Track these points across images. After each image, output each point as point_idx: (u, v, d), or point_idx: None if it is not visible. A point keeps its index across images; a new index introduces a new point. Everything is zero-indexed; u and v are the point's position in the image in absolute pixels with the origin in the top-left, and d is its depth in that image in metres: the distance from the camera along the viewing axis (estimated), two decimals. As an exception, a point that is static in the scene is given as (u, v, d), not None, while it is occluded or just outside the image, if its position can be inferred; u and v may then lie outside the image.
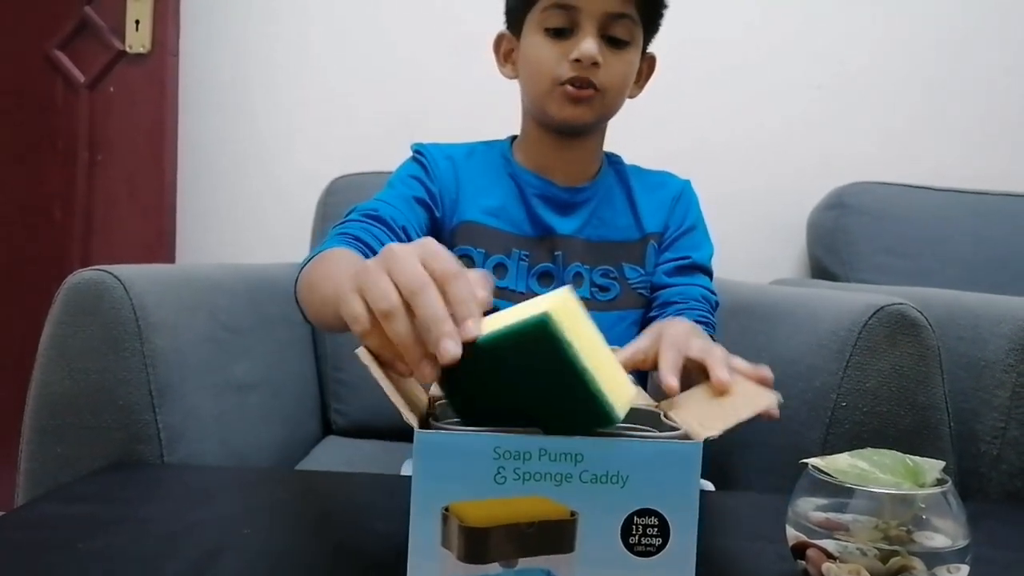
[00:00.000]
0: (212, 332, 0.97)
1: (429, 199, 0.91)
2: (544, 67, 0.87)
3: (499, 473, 0.41)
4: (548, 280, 0.91)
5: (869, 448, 0.55)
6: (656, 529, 0.42)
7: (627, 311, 0.92)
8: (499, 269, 0.90)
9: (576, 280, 0.91)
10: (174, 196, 1.62)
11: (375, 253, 0.55)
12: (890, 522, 0.49)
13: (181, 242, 1.64)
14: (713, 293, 0.94)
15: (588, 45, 0.83)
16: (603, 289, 0.92)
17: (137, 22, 1.58)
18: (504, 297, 0.88)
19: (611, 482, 0.42)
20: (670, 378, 0.55)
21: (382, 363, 0.43)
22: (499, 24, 0.96)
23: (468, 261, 0.88)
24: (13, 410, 0.86)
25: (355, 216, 0.85)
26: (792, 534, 0.53)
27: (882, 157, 1.64)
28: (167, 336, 0.84)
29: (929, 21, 1.66)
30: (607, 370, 0.43)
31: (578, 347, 0.40)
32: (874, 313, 0.81)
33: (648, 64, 0.96)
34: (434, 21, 1.62)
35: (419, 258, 0.43)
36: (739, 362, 0.57)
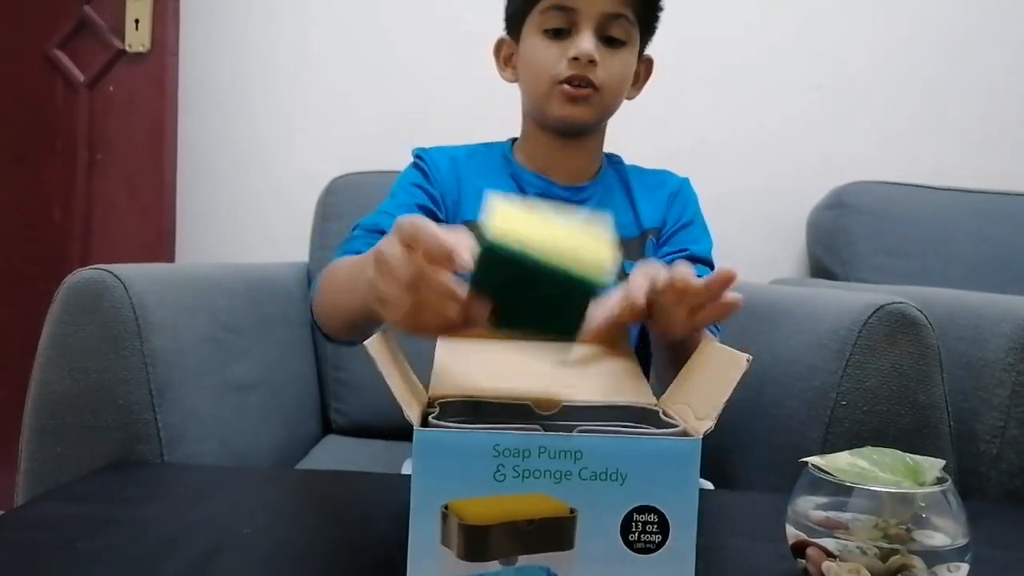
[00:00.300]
0: (212, 332, 0.97)
1: (432, 204, 0.92)
2: (543, 67, 0.88)
3: (498, 471, 0.41)
4: None
5: (869, 447, 0.55)
6: (656, 526, 0.42)
7: None
8: None
9: None
10: (174, 195, 1.62)
11: None
12: (890, 521, 0.49)
13: (181, 242, 1.64)
14: None
15: (586, 43, 0.85)
16: None
17: (137, 21, 1.58)
18: None
19: (610, 479, 0.42)
20: (638, 297, 0.58)
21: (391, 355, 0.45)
22: (499, 24, 0.97)
23: None
24: (13, 410, 0.86)
25: (358, 232, 0.87)
26: (792, 533, 0.53)
27: (882, 157, 1.64)
28: (167, 336, 0.84)
29: (929, 21, 1.66)
30: (574, 250, 0.47)
31: (533, 247, 0.46)
32: (874, 312, 0.81)
33: (646, 67, 0.97)
34: (434, 21, 1.62)
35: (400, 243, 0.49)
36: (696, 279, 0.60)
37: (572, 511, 0.42)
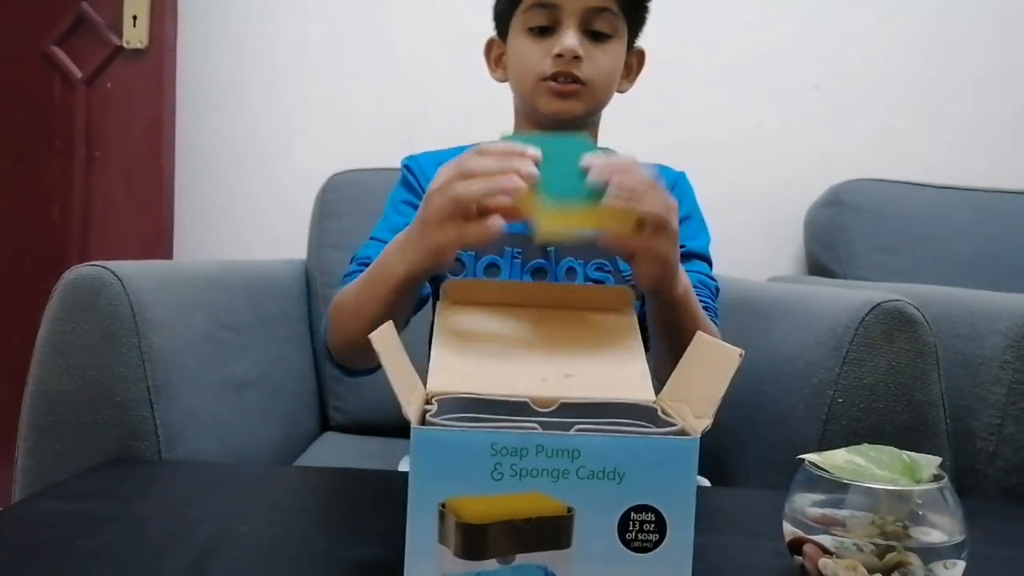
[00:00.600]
0: (210, 329, 0.97)
1: None
2: (529, 65, 0.88)
3: (496, 469, 0.41)
4: (542, 276, 0.91)
5: (866, 444, 0.55)
6: (653, 525, 0.42)
7: None
8: (491, 269, 0.90)
9: (570, 275, 0.91)
10: (172, 193, 1.62)
11: None
12: (887, 518, 0.49)
13: (179, 239, 1.64)
14: (712, 279, 0.94)
15: (569, 40, 0.85)
16: (598, 283, 0.92)
17: (134, 18, 1.57)
18: None
19: (608, 478, 0.42)
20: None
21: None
22: (497, 24, 0.96)
23: (459, 265, 0.88)
24: (10, 407, 0.86)
25: (354, 267, 0.89)
26: (789, 530, 0.53)
27: (879, 155, 1.64)
28: (165, 333, 0.84)
29: (926, 21, 1.66)
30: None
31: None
32: (871, 310, 0.81)
33: (637, 58, 0.97)
34: (433, 20, 1.62)
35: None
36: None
37: (570, 510, 0.42)
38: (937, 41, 1.66)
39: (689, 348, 0.52)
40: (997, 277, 1.35)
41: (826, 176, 1.58)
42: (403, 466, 0.95)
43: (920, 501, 0.50)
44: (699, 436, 0.43)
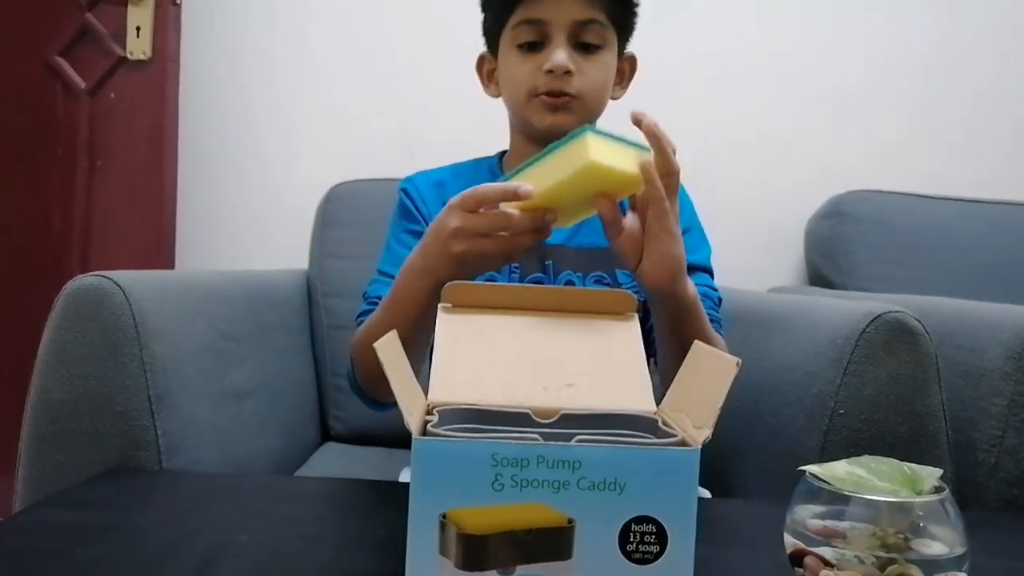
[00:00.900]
0: (211, 339, 0.97)
1: None
2: (520, 81, 0.89)
3: (497, 480, 0.41)
4: None
5: (867, 455, 0.55)
6: (654, 536, 0.42)
7: None
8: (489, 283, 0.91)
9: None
10: (174, 202, 1.62)
11: None
12: (888, 530, 0.49)
13: (180, 248, 1.64)
14: (715, 290, 0.94)
15: (558, 56, 0.86)
16: None
17: (138, 29, 1.58)
18: None
19: (609, 489, 0.42)
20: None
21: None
22: (497, 33, 0.97)
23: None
24: (12, 416, 0.86)
25: (367, 306, 0.91)
26: (790, 541, 0.53)
27: (879, 166, 1.65)
28: (166, 343, 0.84)
29: (925, 33, 1.67)
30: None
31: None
32: (871, 321, 0.81)
33: (630, 64, 0.97)
34: (434, 31, 1.63)
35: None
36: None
37: (570, 521, 0.42)
38: (936, 53, 1.67)
39: (687, 358, 0.52)
40: (998, 288, 1.35)
41: (826, 187, 1.58)
42: (404, 476, 0.95)
43: (921, 513, 0.50)
44: (700, 447, 0.43)
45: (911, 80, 1.67)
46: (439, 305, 0.57)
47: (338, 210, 1.45)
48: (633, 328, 0.58)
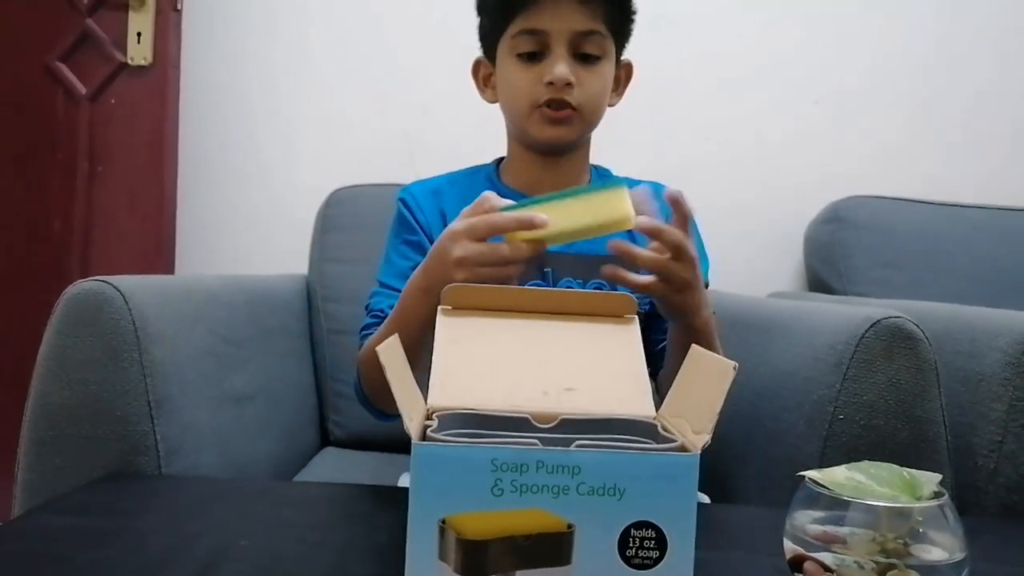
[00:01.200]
0: (211, 343, 0.97)
1: (424, 255, 0.94)
2: (520, 92, 0.89)
3: (496, 485, 0.41)
4: None
5: (866, 461, 0.55)
6: (653, 542, 0.42)
7: None
8: None
9: None
10: (174, 207, 1.63)
11: None
12: (887, 535, 0.49)
13: (180, 253, 1.65)
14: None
15: (560, 69, 0.85)
16: None
17: (139, 35, 1.58)
18: None
19: (608, 494, 0.42)
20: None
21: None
22: (497, 38, 0.97)
23: None
24: (11, 421, 0.86)
25: (370, 319, 0.92)
26: (789, 547, 0.53)
27: (879, 171, 1.65)
28: (166, 347, 0.84)
29: (925, 37, 1.67)
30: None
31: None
32: (871, 326, 0.81)
33: (625, 71, 0.97)
34: (433, 36, 1.63)
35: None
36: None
37: (570, 526, 0.42)
38: (936, 57, 1.67)
39: (685, 362, 0.52)
40: (997, 293, 1.35)
41: (826, 191, 1.58)
42: (403, 481, 0.95)
43: (921, 518, 0.50)
44: (699, 452, 0.43)
45: (911, 84, 1.67)
46: (439, 307, 0.58)
47: (338, 215, 1.45)
48: (633, 331, 0.58)
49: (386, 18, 1.65)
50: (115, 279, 0.82)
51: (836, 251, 1.50)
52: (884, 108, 1.67)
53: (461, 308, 0.58)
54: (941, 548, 0.49)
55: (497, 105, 0.97)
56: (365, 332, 0.92)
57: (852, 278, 1.46)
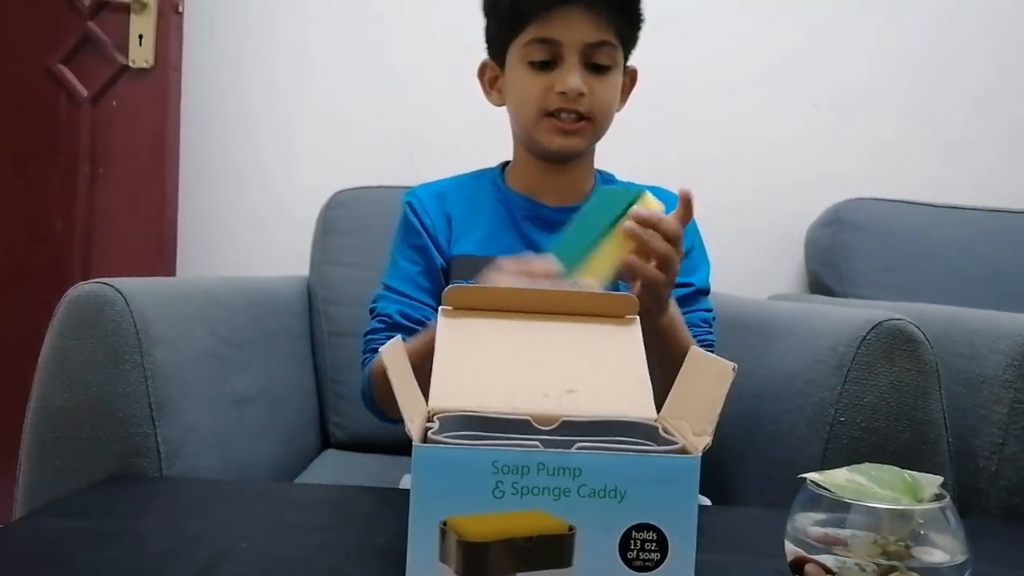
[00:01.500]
0: (212, 345, 0.97)
1: (430, 260, 0.95)
2: (531, 100, 0.89)
3: (497, 487, 0.41)
4: None
5: (867, 463, 0.55)
6: (654, 544, 0.42)
7: None
8: None
9: None
10: (175, 209, 1.63)
11: None
12: (889, 537, 0.49)
13: (182, 255, 1.65)
14: (709, 311, 0.95)
15: (573, 80, 0.86)
16: None
17: (140, 37, 1.59)
18: None
19: (609, 497, 0.42)
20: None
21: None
22: (498, 40, 0.97)
23: None
24: (12, 423, 0.86)
25: (376, 323, 0.92)
26: (791, 549, 0.53)
27: (879, 173, 1.65)
28: (167, 349, 0.84)
29: (924, 40, 1.67)
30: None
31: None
32: (872, 328, 0.81)
33: (630, 78, 0.98)
34: (433, 38, 1.63)
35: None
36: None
37: (571, 528, 0.42)
38: (935, 60, 1.67)
39: (684, 365, 0.53)
40: (998, 296, 1.35)
41: (826, 194, 1.58)
42: (404, 483, 0.95)
43: (922, 521, 0.50)
44: (700, 454, 0.43)
45: (910, 87, 1.67)
46: (439, 308, 0.58)
47: (339, 217, 1.45)
48: (634, 332, 0.58)
49: (386, 19, 1.65)
50: (116, 281, 0.82)
51: (837, 254, 1.50)
52: (883, 109, 1.67)
53: (462, 309, 0.58)
54: (942, 550, 0.49)
55: (498, 107, 0.97)
56: (370, 336, 0.92)
57: (853, 280, 1.46)
